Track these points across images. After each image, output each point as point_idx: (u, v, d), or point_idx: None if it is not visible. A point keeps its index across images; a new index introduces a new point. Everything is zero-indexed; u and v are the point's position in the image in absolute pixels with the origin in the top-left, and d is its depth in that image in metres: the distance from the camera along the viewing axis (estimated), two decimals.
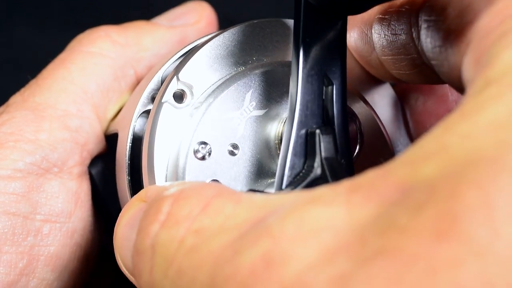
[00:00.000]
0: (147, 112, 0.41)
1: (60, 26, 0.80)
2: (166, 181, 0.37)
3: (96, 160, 0.44)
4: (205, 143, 0.36)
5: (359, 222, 0.23)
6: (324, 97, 0.34)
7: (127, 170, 0.40)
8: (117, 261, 0.32)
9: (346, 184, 0.25)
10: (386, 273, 0.21)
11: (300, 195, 0.26)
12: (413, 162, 0.23)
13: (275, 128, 0.37)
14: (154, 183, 0.37)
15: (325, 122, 0.34)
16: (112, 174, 0.42)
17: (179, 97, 0.37)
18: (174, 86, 0.37)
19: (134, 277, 0.30)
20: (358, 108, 0.38)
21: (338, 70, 0.34)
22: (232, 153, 0.36)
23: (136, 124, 0.41)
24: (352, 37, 0.38)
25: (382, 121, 0.40)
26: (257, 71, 0.37)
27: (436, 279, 0.21)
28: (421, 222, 0.21)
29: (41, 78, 0.43)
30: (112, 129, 0.43)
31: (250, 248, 0.24)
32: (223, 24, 0.46)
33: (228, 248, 0.25)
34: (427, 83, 0.38)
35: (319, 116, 0.34)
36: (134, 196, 0.32)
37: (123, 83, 0.44)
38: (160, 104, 0.37)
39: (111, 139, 0.43)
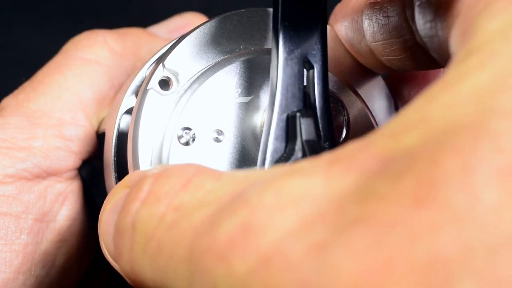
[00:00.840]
0: (132, 109, 0.41)
1: (60, 26, 0.80)
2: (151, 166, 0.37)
3: (86, 162, 0.44)
4: (189, 129, 0.36)
5: (337, 192, 0.23)
6: (306, 82, 0.34)
7: (113, 166, 0.40)
8: (101, 249, 0.31)
9: (325, 157, 0.24)
10: (364, 239, 0.21)
11: (279, 168, 0.25)
12: (393, 134, 0.23)
13: (260, 115, 0.36)
14: (139, 169, 0.36)
15: (307, 106, 0.34)
16: (101, 173, 0.42)
17: (164, 84, 0.37)
18: (159, 73, 0.37)
19: (116, 260, 0.30)
20: (349, 99, 0.38)
21: (319, 53, 0.34)
22: (217, 140, 0.36)
23: (121, 120, 0.41)
24: (343, 27, 0.38)
25: (373, 113, 0.39)
26: (242, 58, 0.37)
27: (414, 244, 0.20)
28: (400, 190, 0.21)
29: (36, 82, 0.43)
30: (101, 129, 0.44)
31: (228, 218, 0.24)
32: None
33: (207, 221, 0.25)
34: (418, 69, 0.37)
35: (300, 99, 0.33)
36: (118, 183, 0.32)
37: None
38: (145, 91, 0.37)
39: (100, 139, 0.43)
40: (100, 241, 0.32)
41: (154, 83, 0.37)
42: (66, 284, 0.44)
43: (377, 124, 0.39)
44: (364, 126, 0.38)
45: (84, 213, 0.44)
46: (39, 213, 0.41)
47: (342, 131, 0.37)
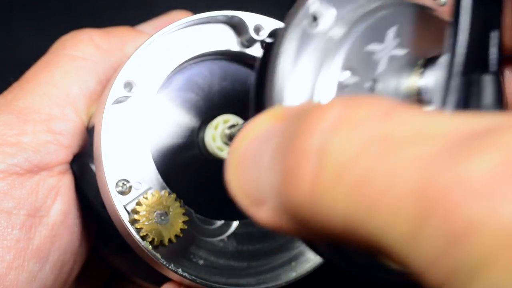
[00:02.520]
0: (120, 101, 0.41)
1: (60, 26, 0.80)
2: None
3: (77, 156, 0.44)
4: (353, 71, 0.32)
5: None
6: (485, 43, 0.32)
7: (102, 159, 0.40)
8: (231, 188, 0.28)
9: None
10: None
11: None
12: None
13: (415, 73, 0.34)
14: (282, 103, 0.32)
15: (486, 70, 0.31)
16: (92, 166, 0.42)
17: (315, 20, 0.33)
18: (310, 8, 0.33)
19: (284, 184, 0.26)
20: None
21: (497, 16, 0.32)
22: (371, 89, 0.33)
23: (110, 113, 0.40)
24: None
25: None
26: (408, 6, 0.34)
27: None
28: None
29: (25, 81, 0.44)
30: (91, 123, 0.44)
31: (479, 157, 0.22)
32: None
33: (441, 155, 0.23)
34: None
35: (481, 61, 0.31)
36: (259, 115, 0.28)
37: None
38: (292, 25, 0.33)
39: (90, 133, 0.43)
40: (228, 172, 0.28)
41: (305, 16, 0.33)
42: (61, 279, 0.44)
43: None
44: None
45: (77, 208, 0.44)
46: (31, 208, 0.42)
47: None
